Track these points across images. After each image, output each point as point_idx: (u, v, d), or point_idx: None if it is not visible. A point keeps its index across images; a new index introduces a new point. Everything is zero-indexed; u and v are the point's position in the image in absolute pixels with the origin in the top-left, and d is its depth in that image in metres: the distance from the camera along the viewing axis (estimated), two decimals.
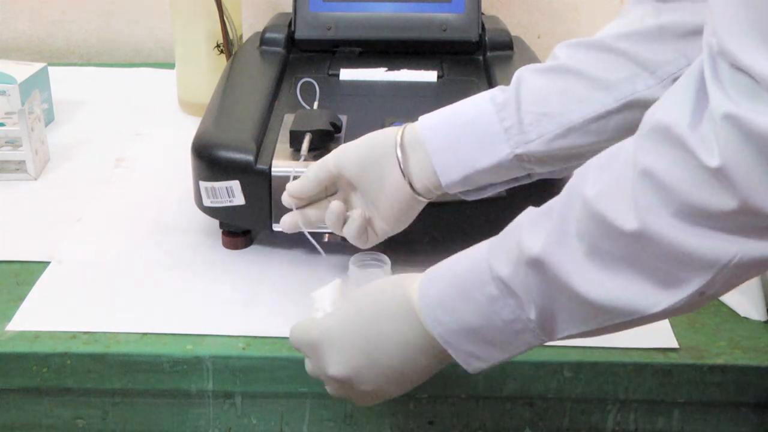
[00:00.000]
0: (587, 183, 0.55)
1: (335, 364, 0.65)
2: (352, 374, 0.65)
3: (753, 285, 0.79)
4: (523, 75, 0.74)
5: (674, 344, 0.76)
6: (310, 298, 0.71)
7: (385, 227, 0.78)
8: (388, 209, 0.77)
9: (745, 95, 0.47)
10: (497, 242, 0.61)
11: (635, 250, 0.53)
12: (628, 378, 0.75)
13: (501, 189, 0.76)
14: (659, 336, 0.77)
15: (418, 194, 0.75)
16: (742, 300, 0.80)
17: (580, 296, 0.56)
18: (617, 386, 0.75)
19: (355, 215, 0.76)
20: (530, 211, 0.60)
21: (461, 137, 0.73)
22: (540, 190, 0.75)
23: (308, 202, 0.79)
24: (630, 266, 0.54)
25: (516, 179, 0.75)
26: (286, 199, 0.79)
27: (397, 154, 0.74)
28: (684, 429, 0.78)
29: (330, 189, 0.79)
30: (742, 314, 0.80)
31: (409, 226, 0.78)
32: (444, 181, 0.73)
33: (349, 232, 0.77)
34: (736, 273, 0.52)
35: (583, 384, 0.75)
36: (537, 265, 0.57)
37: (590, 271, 0.55)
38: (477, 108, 0.74)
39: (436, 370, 0.66)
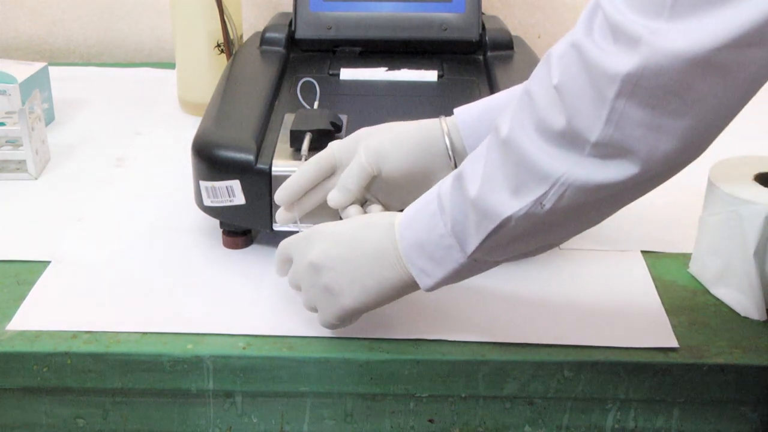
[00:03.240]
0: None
1: (318, 251, 0.71)
2: (328, 263, 0.71)
3: (753, 285, 0.79)
4: None
5: (674, 344, 0.76)
6: None
7: (396, 206, 0.79)
8: (416, 197, 0.78)
9: (598, 30, 0.54)
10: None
11: (504, 156, 0.61)
12: (628, 378, 0.75)
13: None
14: (659, 336, 0.77)
15: None
16: (742, 300, 0.80)
17: (470, 198, 0.63)
18: (617, 386, 0.75)
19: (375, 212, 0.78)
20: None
21: None
22: None
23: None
24: (499, 171, 0.61)
25: None
26: (283, 199, 0.79)
27: (452, 158, 0.77)
28: (683, 428, 0.78)
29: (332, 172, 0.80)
30: (742, 314, 0.80)
31: None
32: None
33: None
34: (566, 192, 0.59)
35: (583, 384, 0.75)
36: (458, 178, 0.65)
37: (480, 176, 0.63)
38: None
39: (397, 294, 0.71)
